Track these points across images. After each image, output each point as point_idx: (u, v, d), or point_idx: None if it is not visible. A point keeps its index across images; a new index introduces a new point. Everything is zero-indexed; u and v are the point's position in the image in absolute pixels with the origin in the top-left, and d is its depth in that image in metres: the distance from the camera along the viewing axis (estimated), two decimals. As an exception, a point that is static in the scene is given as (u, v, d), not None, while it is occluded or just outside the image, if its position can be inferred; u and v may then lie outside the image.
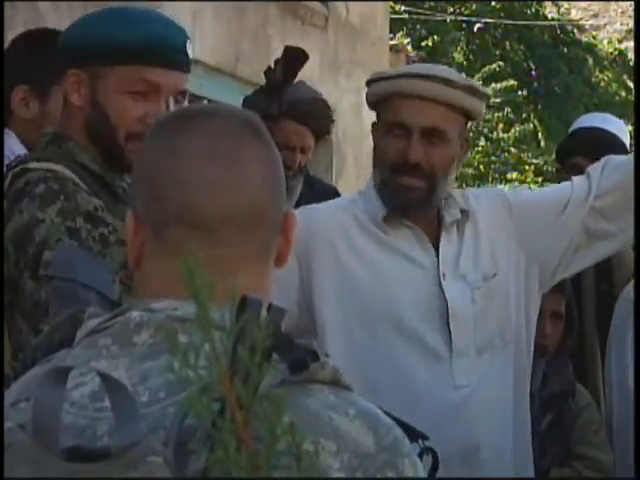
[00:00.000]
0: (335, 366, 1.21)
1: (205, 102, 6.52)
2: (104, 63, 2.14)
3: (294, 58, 3.56)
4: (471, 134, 15.13)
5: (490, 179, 15.38)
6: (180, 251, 1.21)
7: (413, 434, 1.31)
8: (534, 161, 15.64)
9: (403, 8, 16.14)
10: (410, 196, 2.54)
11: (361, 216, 2.60)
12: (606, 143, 3.48)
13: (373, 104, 2.65)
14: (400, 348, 2.50)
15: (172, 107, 2.16)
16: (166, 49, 2.15)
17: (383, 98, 2.59)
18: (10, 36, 6.33)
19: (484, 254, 2.61)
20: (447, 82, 2.54)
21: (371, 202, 2.60)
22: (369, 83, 2.64)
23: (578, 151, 3.50)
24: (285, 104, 3.47)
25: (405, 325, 2.52)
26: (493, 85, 15.01)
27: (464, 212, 2.62)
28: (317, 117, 3.50)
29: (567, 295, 3.34)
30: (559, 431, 3.20)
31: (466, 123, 2.63)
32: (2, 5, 3.12)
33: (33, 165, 2.14)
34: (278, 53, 3.74)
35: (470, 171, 15.02)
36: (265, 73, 3.56)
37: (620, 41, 18.76)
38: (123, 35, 2.14)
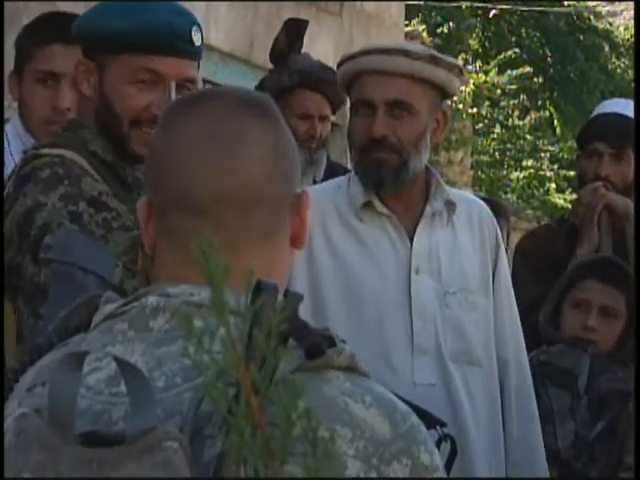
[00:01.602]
0: (351, 352, 1.20)
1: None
2: (109, 53, 2.14)
3: (296, 25, 3.57)
4: (486, 121, 15.09)
5: (506, 166, 15.34)
6: (181, 236, 1.21)
7: (431, 421, 1.30)
8: (550, 148, 15.58)
9: (418, -5, 16.09)
10: (382, 170, 2.51)
11: (342, 203, 2.58)
12: (626, 129, 3.44)
13: (345, 89, 2.64)
14: (359, 342, 2.41)
15: (173, 95, 2.14)
16: (168, 37, 2.13)
17: (350, 80, 2.59)
18: (24, 20, 6.28)
19: (477, 268, 2.59)
20: (406, 54, 2.53)
21: (355, 187, 2.58)
22: (338, 67, 2.63)
23: (598, 137, 3.46)
24: (296, 74, 3.46)
25: (365, 319, 2.48)
26: (509, 72, 14.94)
27: (450, 204, 2.58)
28: (329, 83, 3.45)
29: (630, 293, 3.08)
30: (612, 440, 2.92)
31: (440, 97, 2.58)
32: (2, 5, 3.12)
33: (44, 151, 2.14)
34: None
35: (485, 158, 14.98)
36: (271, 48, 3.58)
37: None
38: (125, 24, 2.13)
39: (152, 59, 2.13)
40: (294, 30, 3.56)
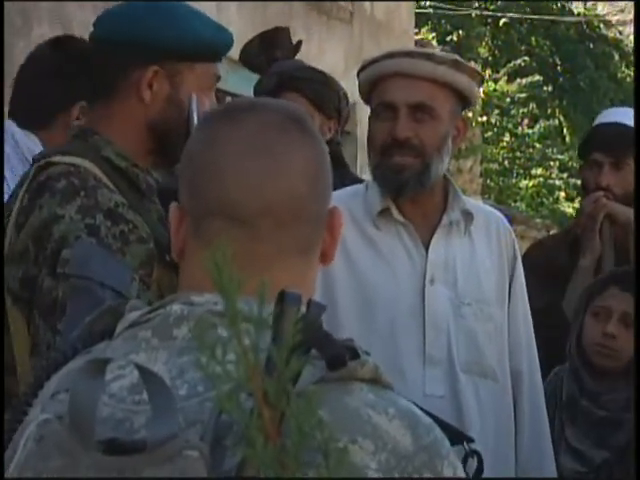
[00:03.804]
0: (375, 364, 1.19)
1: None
2: (186, 60, 2.14)
3: (272, 32, 3.55)
4: (495, 129, 15.09)
5: (515, 174, 15.34)
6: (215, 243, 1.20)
7: (459, 437, 1.28)
8: (559, 157, 15.58)
9: (428, 3, 16.10)
10: (403, 175, 2.48)
11: (357, 210, 2.54)
12: (625, 138, 3.41)
13: (365, 95, 2.60)
14: (371, 350, 2.38)
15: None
16: (230, 46, 2.22)
17: (371, 84, 2.56)
18: (35, 27, 6.31)
19: (494, 280, 2.56)
20: (429, 57, 2.51)
21: (372, 194, 2.55)
22: (359, 74, 2.60)
23: (597, 147, 3.42)
24: (273, 76, 3.37)
25: (377, 327, 2.45)
26: (518, 80, 14.96)
27: (467, 214, 2.56)
28: (307, 81, 3.36)
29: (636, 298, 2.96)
30: (630, 457, 2.77)
31: (460, 104, 2.56)
32: (2, 5, 3.12)
33: (57, 159, 2.11)
34: (303, 47, 3.73)
35: (494, 167, 14.98)
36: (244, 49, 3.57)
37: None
38: (209, 34, 2.16)
39: (215, 66, 2.20)
40: (272, 38, 3.53)
